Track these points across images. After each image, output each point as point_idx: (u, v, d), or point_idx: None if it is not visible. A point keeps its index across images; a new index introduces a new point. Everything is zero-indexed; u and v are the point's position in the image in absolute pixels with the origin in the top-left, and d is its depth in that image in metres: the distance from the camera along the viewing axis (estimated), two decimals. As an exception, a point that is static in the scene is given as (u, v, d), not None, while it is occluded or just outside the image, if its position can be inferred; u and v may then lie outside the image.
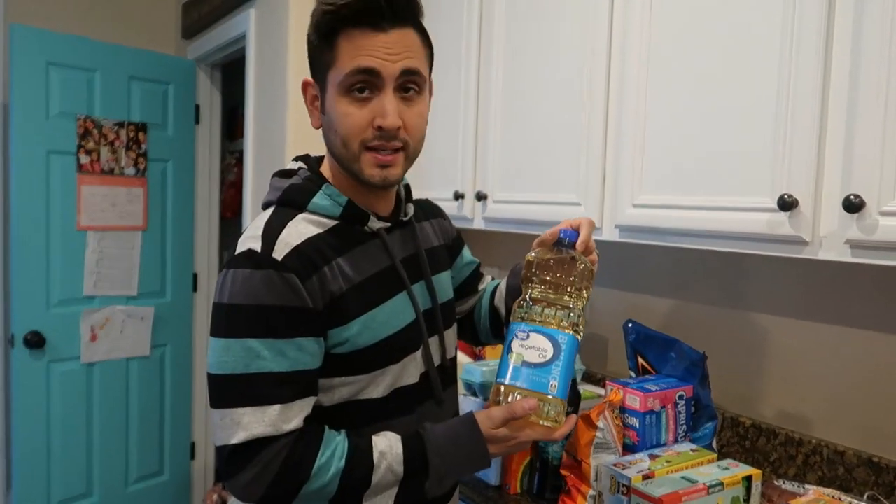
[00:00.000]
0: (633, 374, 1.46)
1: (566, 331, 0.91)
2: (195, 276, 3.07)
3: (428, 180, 1.98)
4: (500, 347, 1.77)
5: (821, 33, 1.03)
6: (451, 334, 1.09)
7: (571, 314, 0.92)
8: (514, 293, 1.11)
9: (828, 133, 1.04)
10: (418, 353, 1.00)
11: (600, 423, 1.20)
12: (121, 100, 2.73)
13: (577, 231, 0.98)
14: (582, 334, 0.94)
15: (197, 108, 3.03)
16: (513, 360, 0.91)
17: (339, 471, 0.87)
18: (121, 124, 2.72)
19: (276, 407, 0.86)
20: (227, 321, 0.86)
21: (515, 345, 0.91)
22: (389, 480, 0.90)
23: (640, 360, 1.44)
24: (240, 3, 2.48)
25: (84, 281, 2.66)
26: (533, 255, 0.98)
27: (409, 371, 0.98)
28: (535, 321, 0.92)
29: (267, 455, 0.85)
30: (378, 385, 0.95)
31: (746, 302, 1.53)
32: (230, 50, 2.75)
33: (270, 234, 0.90)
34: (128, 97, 2.75)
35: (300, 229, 0.91)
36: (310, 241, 0.90)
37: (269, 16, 2.29)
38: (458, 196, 1.82)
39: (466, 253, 1.25)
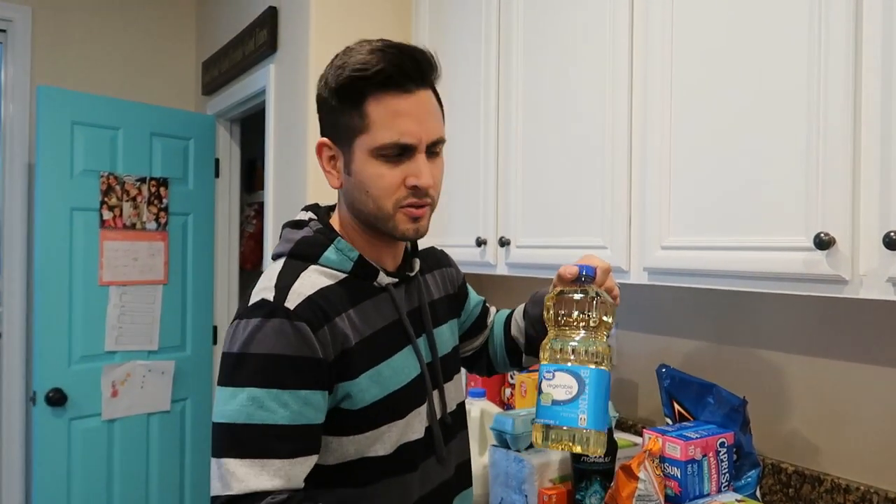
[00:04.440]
0: (669, 420, 1.42)
1: (588, 365, 0.92)
2: (215, 329, 3.06)
3: (450, 227, 1.98)
4: (530, 396, 1.74)
5: (849, 64, 1.02)
6: (451, 387, 1.09)
7: (591, 347, 0.93)
8: (534, 321, 1.11)
9: (862, 169, 1.02)
10: (423, 408, 0.99)
11: (641, 474, 1.16)
12: (143, 156, 2.77)
13: (593, 267, 0.99)
14: (610, 365, 0.95)
15: (216, 161, 3.07)
16: (542, 400, 0.93)
17: None
18: (143, 180, 2.76)
19: (275, 462, 0.83)
20: (234, 369, 0.86)
21: (545, 385, 0.94)
22: None
23: (677, 406, 1.39)
24: (259, 59, 2.53)
25: (106, 336, 2.66)
26: (551, 294, 0.99)
27: (414, 426, 0.98)
28: (558, 360, 0.94)
29: None
30: (385, 442, 0.94)
31: (784, 343, 1.49)
32: (249, 105, 2.80)
33: (283, 284, 0.90)
34: (149, 153, 2.79)
35: (313, 280, 0.92)
36: (322, 293, 0.90)
37: (288, 71, 2.34)
38: (481, 242, 1.81)
39: (473, 294, 1.27)
